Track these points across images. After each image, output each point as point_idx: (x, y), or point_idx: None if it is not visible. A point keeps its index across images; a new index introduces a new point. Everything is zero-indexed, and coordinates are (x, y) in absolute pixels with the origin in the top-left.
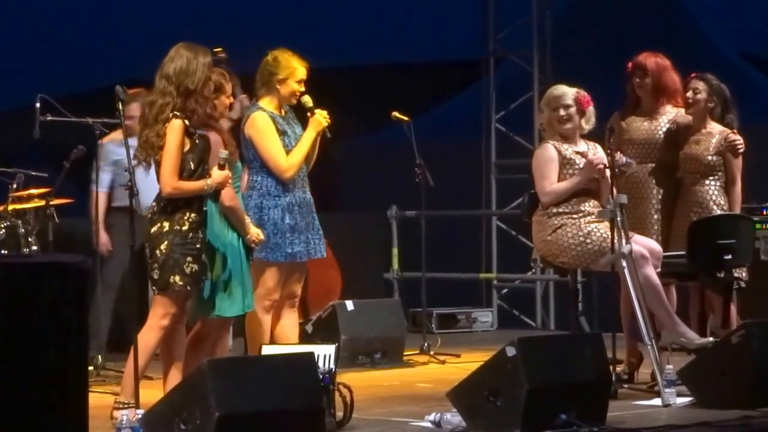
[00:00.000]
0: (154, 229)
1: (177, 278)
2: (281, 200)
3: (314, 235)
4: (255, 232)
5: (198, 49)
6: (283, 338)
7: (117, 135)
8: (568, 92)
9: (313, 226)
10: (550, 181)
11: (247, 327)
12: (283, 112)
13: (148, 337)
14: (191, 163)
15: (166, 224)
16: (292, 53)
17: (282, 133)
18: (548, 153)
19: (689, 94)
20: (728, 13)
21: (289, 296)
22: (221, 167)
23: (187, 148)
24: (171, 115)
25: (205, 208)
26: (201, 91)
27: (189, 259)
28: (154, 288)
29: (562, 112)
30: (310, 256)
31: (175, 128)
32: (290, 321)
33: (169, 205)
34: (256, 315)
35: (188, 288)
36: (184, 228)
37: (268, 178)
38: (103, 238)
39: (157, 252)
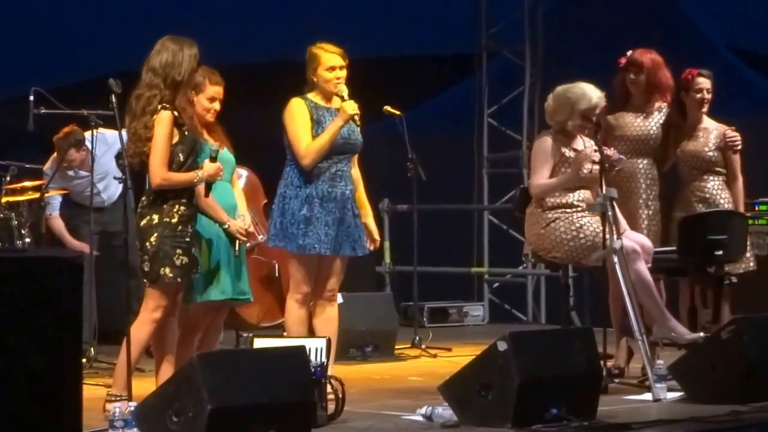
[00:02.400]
0: (143, 222)
1: (167, 270)
2: (301, 191)
3: (344, 231)
4: (236, 224)
5: (183, 42)
6: (321, 332)
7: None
8: (600, 103)
9: (344, 222)
10: (541, 175)
11: (285, 318)
12: (331, 104)
13: (140, 329)
14: (180, 155)
15: (156, 217)
16: (326, 42)
17: (316, 123)
18: (546, 147)
19: (703, 95)
20: (718, 7)
21: (323, 290)
22: (212, 159)
23: (176, 139)
24: (159, 106)
25: (195, 201)
26: (189, 83)
27: (179, 251)
28: (145, 280)
29: (590, 122)
30: (336, 251)
31: (163, 119)
32: (328, 314)
33: (159, 197)
34: (290, 307)
35: (178, 280)
36: (174, 220)
37: (294, 168)
38: (76, 244)
39: (147, 244)
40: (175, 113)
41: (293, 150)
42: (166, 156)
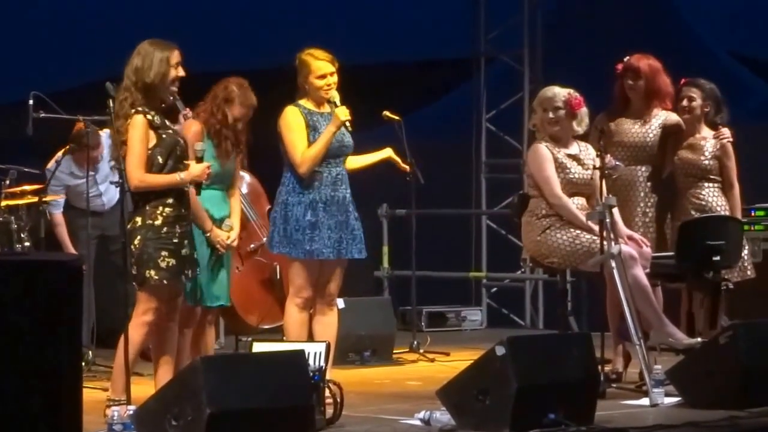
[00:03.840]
0: (129, 226)
1: (152, 273)
2: (304, 197)
3: (347, 234)
4: (218, 235)
5: (158, 45)
6: (320, 336)
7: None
8: (558, 94)
9: (347, 225)
10: (557, 183)
11: (284, 322)
12: (323, 109)
13: (132, 333)
14: (159, 157)
15: (139, 219)
16: (316, 49)
17: (312, 129)
18: (544, 153)
19: (684, 102)
20: (718, 13)
21: (323, 294)
22: (198, 160)
23: (153, 142)
24: (133, 111)
25: (186, 202)
26: (161, 85)
27: (164, 253)
28: (134, 284)
29: (550, 114)
30: (340, 255)
31: (135, 123)
32: (328, 319)
33: (142, 200)
34: (290, 311)
35: (164, 282)
36: (157, 222)
37: (294, 174)
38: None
39: (133, 247)
40: (149, 116)
41: (290, 158)
42: (141, 158)
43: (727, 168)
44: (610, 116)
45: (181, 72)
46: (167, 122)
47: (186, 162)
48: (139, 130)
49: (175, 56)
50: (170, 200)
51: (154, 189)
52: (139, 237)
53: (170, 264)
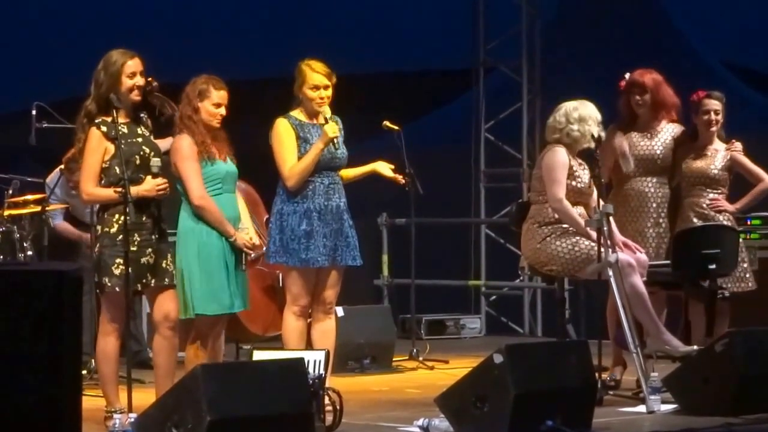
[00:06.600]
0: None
1: (106, 279)
2: (299, 206)
3: (342, 242)
4: (241, 238)
5: (115, 54)
6: (318, 344)
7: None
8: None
9: (341, 233)
10: (563, 188)
11: (282, 331)
12: (317, 120)
13: (102, 343)
14: (116, 168)
15: (99, 227)
16: (316, 61)
17: (303, 141)
18: (563, 158)
19: (711, 115)
20: (712, 24)
21: (320, 302)
22: (154, 176)
23: (110, 154)
24: (85, 121)
25: (155, 211)
26: (116, 95)
27: (119, 260)
28: (97, 291)
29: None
30: (335, 262)
31: (89, 136)
32: (325, 327)
33: (101, 208)
34: (287, 320)
35: (117, 289)
36: (113, 230)
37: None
38: (86, 237)
39: (94, 255)
40: (103, 128)
41: (279, 171)
42: (92, 171)
43: (746, 171)
44: (620, 131)
45: (138, 81)
46: (141, 130)
47: (142, 175)
48: (90, 143)
49: (131, 65)
50: (128, 208)
51: (102, 202)
52: (99, 244)
53: (123, 271)
